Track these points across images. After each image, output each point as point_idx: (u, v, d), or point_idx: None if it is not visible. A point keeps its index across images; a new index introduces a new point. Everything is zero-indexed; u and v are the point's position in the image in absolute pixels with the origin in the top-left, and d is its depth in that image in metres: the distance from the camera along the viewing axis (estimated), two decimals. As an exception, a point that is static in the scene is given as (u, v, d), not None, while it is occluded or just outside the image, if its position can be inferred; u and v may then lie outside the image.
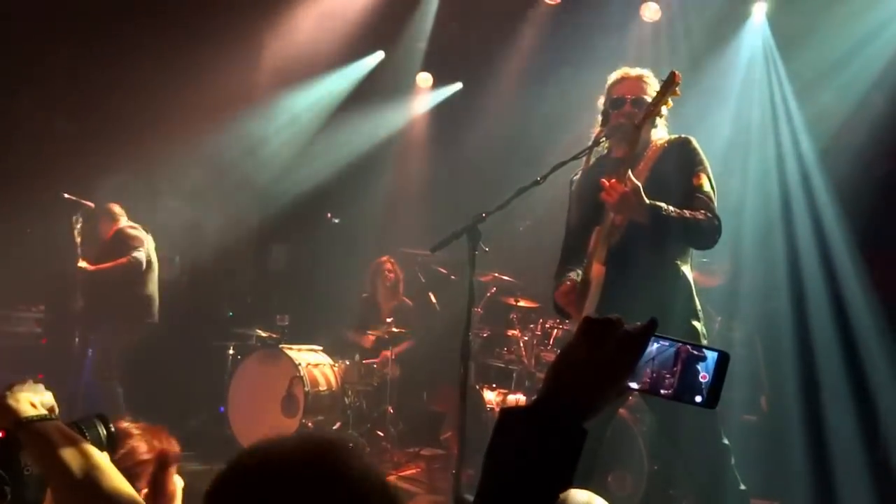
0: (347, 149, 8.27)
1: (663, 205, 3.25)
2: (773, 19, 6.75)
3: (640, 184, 3.23)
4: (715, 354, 1.12)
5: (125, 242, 6.28)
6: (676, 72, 3.28)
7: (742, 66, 6.71)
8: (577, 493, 1.50)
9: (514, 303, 6.23)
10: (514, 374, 6.09)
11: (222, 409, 6.66)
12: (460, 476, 4.04)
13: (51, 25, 7.02)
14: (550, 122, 7.23)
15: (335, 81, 8.34)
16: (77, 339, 6.39)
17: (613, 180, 3.24)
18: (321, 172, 8.14)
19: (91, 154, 6.91)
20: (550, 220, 6.40)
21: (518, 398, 5.89)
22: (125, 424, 2.09)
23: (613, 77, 3.68)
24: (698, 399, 1.11)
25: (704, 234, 3.31)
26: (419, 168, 8.66)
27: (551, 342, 5.97)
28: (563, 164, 3.63)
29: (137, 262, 6.22)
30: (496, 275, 6.36)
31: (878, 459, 5.11)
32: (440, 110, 8.75)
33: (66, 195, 6.36)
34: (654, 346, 1.14)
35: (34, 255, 6.47)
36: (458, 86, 8.67)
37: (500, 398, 5.99)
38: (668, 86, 3.29)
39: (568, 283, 3.59)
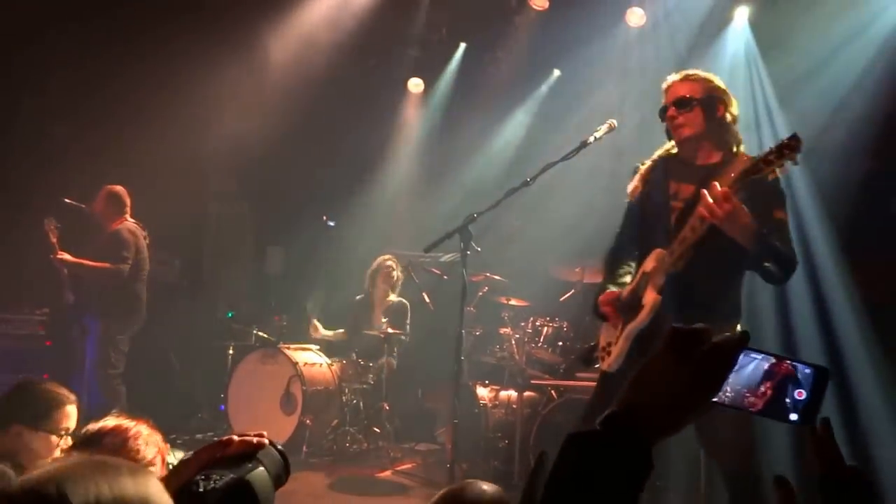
0: (342, 153, 8.40)
1: (766, 233, 3.02)
2: (755, 23, 6.89)
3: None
4: (813, 370, 1.05)
5: (118, 249, 6.19)
6: (798, 136, 2.82)
7: (725, 69, 6.81)
8: None
9: (506, 301, 6.35)
10: (506, 371, 6.23)
11: (222, 407, 6.79)
12: (454, 469, 4.18)
13: (50, 31, 7.10)
14: (539, 125, 7.38)
15: (330, 86, 8.45)
16: (74, 335, 6.41)
17: (724, 188, 2.93)
18: (316, 176, 8.26)
19: (89, 158, 6.99)
20: (540, 220, 6.60)
21: (510, 394, 6.04)
22: (123, 424, 2.23)
23: (664, 85, 3.51)
24: (793, 417, 1.04)
25: (789, 271, 3.16)
26: (412, 171, 8.78)
27: (541, 339, 6.14)
28: (552, 165, 3.75)
29: (119, 274, 6.14)
30: (488, 274, 6.48)
31: (859, 454, 5.21)
32: (431, 115, 8.89)
33: (67, 199, 6.40)
34: (745, 360, 1.06)
35: (37, 259, 6.56)
36: (448, 91, 8.81)
37: (492, 394, 6.13)
38: (786, 149, 2.83)
39: (614, 293, 3.46)
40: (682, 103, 3.34)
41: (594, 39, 6.93)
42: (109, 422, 2.18)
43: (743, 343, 1.04)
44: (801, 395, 1.04)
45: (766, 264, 3.09)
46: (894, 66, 5.93)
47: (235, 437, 1.45)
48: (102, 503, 1.00)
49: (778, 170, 2.87)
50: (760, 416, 1.05)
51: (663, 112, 3.41)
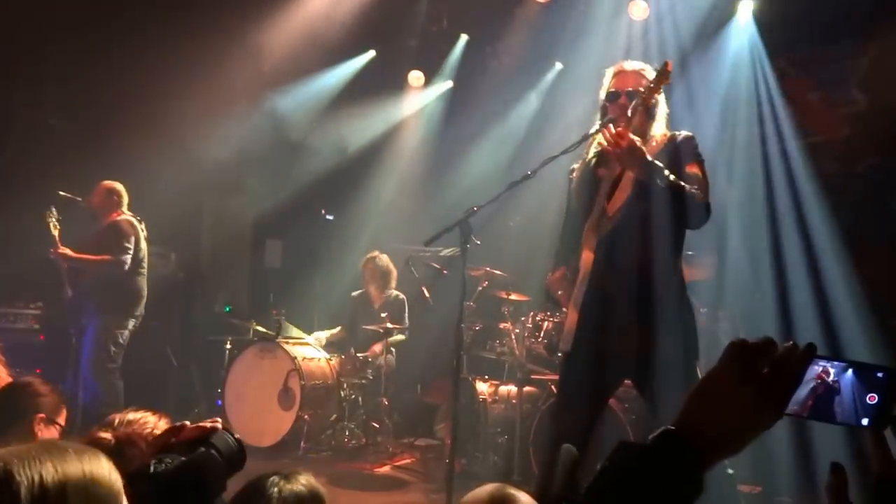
0: (340, 146, 8.35)
1: (662, 166, 3.33)
2: (759, 17, 6.84)
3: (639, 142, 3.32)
4: (884, 373, 1.01)
5: (118, 240, 6.19)
6: (669, 62, 3.42)
7: (728, 63, 6.80)
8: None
9: (506, 296, 6.30)
10: (506, 366, 6.19)
11: (220, 402, 6.74)
12: (453, 465, 4.14)
13: (44, 24, 7.05)
14: (540, 118, 7.32)
15: (328, 80, 8.42)
16: (71, 331, 6.38)
17: (621, 128, 3.32)
18: (315, 170, 8.22)
19: (86, 151, 6.95)
20: (541, 215, 6.54)
21: (510, 389, 6.00)
22: (147, 416, 2.25)
23: (611, 71, 3.72)
24: (865, 422, 1.01)
25: (694, 207, 3.35)
26: (411, 165, 8.74)
27: (541, 334, 6.06)
28: (553, 158, 3.71)
29: (120, 265, 6.14)
30: (488, 269, 6.44)
31: (857, 447, 5.20)
32: (432, 108, 8.84)
33: (62, 192, 6.37)
34: (813, 368, 1.02)
35: (31, 252, 6.52)
36: (448, 84, 8.77)
37: (491, 389, 6.09)
38: (661, 76, 3.41)
39: (559, 272, 3.69)
40: (634, 95, 3.53)
41: (597, 32, 6.89)
42: (135, 414, 2.24)
43: (810, 356, 1.00)
44: (873, 399, 1.01)
45: (669, 199, 3.32)
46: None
47: (188, 424, 1.56)
48: (46, 482, 1.08)
49: (658, 93, 3.46)
50: (837, 424, 1.02)
51: (614, 97, 3.59)
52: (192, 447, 1.47)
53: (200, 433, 1.52)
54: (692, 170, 3.44)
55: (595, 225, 3.53)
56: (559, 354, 3.77)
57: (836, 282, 5.83)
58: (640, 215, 3.44)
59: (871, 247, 5.87)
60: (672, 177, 3.34)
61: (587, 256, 3.50)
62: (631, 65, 3.69)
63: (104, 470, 1.16)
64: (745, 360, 0.98)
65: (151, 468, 1.38)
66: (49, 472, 1.08)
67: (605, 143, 3.36)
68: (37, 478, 1.07)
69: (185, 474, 1.41)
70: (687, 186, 3.35)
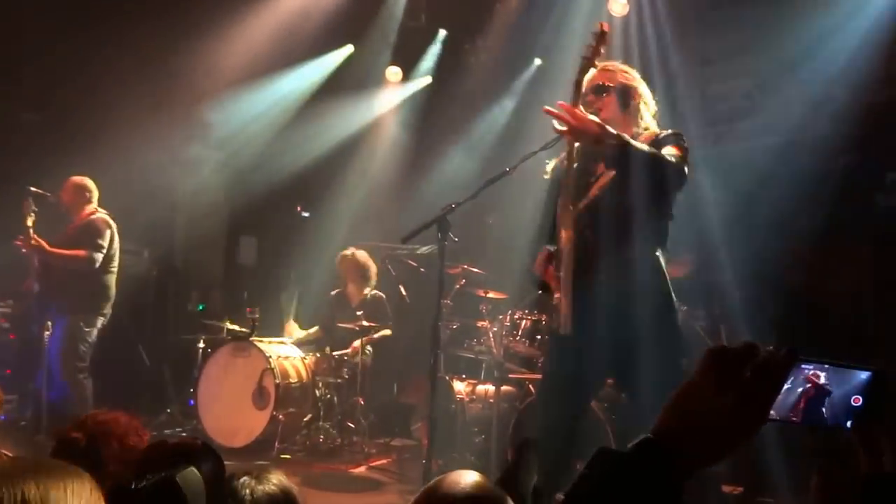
0: (317, 142, 8.27)
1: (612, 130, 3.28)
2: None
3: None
4: (868, 374, 1.00)
5: (93, 237, 6.11)
6: (603, 23, 3.44)
7: (709, 59, 6.79)
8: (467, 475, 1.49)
9: (484, 294, 6.25)
10: (484, 365, 6.15)
11: (192, 402, 6.65)
12: (430, 465, 4.08)
13: (17, 18, 6.94)
14: (519, 115, 7.28)
15: (305, 75, 8.33)
16: (36, 328, 6.25)
17: (566, 104, 3.27)
18: (291, 166, 8.13)
19: (58, 146, 6.85)
20: (519, 212, 6.49)
21: (487, 388, 5.95)
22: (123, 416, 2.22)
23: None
24: (849, 424, 1.01)
25: (670, 169, 3.33)
26: (389, 161, 8.68)
27: (520, 332, 6.02)
28: (532, 154, 3.70)
29: (92, 262, 6.05)
30: (465, 267, 6.38)
31: (842, 446, 5.20)
32: (410, 104, 8.77)
33: (33, 188, 6.26)
34: (802, 371, 0.99)
35: (1, 249, 6.40)
36: (427, 79, 8.70)
37: (469, 388, 6.05)
38: (599, 39, 3.41)
39: (544, 253, 3.64)
40: (599, 90, 3.58)
41: (576, 28, 6.85)
42: (106, 414, 2.25)
43: (792, 360, 0.96)
44: (857, 401, 0.99)
45: (643, 164, 3.28)
46: (876, 58, 5.91)
47: (169, 441, 1.62)
48: (28, 499, 1.12)
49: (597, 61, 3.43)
50: (822, 428, 1.01)
51: (583, 98, 3.61)
52: (173, 463, 1.49)
53: (182, 449, 1.55)
54: (669, 150, 3.41)
55: (563, 203, 3.51)
56: (552, 336, 3.73)
57: (815, 278, 5.83)
58: (617, 201, 3.42)
59: (847, 243, 5.87)
60: (642, 145, 3.31)
61: (566, 235, 3.47)
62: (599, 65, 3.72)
63: (86, 489, 1.20)
64: (724, 367, 0.94)
65: (132, 484, 1.41)
66: (31, 489, 1.14)
67: (556, 127, 3.30)
68: (19, 495, 1.12)
69: (167, 492, 1.43)
70: (659, 153, 3.32)
